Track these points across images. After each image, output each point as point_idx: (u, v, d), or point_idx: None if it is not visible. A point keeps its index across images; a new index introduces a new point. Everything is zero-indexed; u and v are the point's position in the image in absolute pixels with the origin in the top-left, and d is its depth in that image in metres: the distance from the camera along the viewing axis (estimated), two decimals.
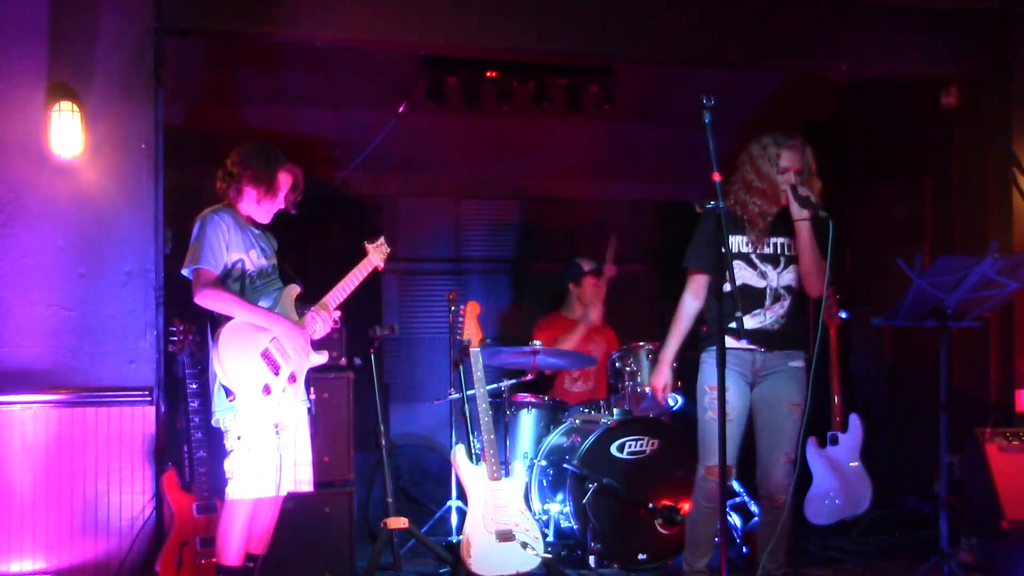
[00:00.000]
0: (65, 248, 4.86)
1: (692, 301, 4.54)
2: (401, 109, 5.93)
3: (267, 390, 4.14)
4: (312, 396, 4.41)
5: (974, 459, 5.44)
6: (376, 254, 4.56)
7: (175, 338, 4.87)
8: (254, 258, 4.30)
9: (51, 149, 4.79)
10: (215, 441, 4.56)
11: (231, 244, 4.22)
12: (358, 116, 6.55)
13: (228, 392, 4.10)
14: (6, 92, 4.81)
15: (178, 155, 5.30)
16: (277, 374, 4.19)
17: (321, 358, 4.39)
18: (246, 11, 5.18)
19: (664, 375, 4.67)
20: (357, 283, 4.44)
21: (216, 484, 4.79)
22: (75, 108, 4.79)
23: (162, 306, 4.98)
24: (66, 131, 4.78)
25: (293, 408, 4.29)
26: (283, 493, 4.27)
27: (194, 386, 4.82)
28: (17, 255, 4.81)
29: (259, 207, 4.35)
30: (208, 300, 4.16)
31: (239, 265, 4.23)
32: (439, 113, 6.25)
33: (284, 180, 4.35)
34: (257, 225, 4.40)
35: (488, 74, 6.12)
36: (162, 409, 4.94)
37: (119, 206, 4.92)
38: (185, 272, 4.22)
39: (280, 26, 5.25)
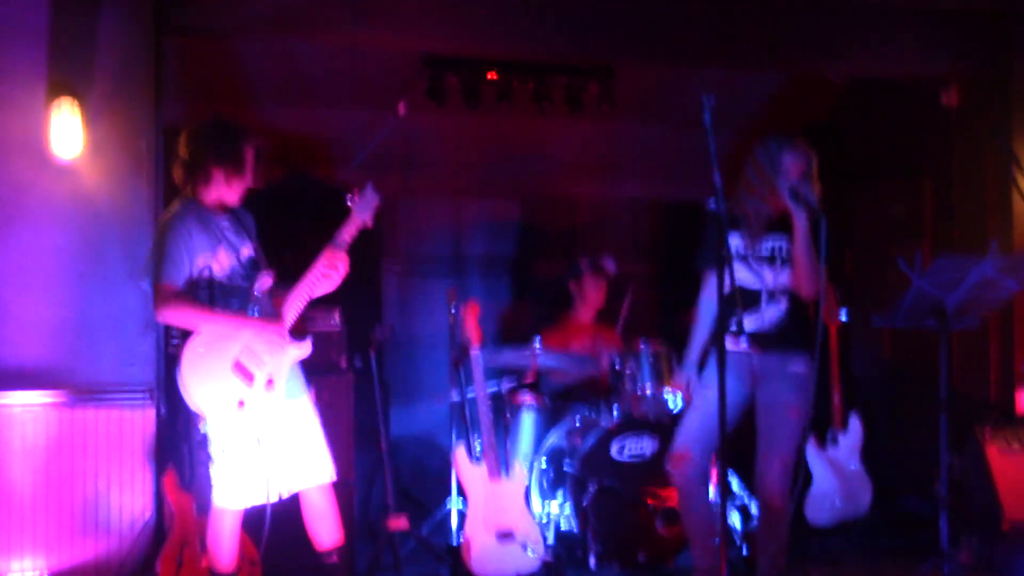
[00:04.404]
0: (65, 248, 4.87)
1: (710, 300, 4.54)
2: (401, 109, 5.93)
3: (241, 404, 3.93)
4: (313, 394, 4.27)
5: (974, 459, 5.44)
6: (361, 208, 4.13)
7: (175, 339, 4.87)
8: (222, 258, 4.03)
9: (51, 149, 4.80)
10: None
11: (195, 248, 3.95)
12: (358, 116, 6.55)
13: (198, 416, 3.95)
14: (6, 92, 4.81)
15: (178, 155, 5.29)
16: (252, 384, 3.96)
17: (303, 350, 4.12)
18: (246, 11, 5.18)
19: (687, 375, 4.66)
20: (342, 251, 4.08)
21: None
22: (75, 107, 4.79)
23: None
24: (66, 131, 4.78)
25: (279, 410, 4.07)
26: (284, 496, 4.09)
27: None
28: (17, 255, 4.82)
29: (229, 188, 4.04)
30: (171, 316, 3.97)
31: (206, 272, 3.97)
32: (439, 113, 6.25)
33: (249, 154, 4.05)
34: (226, 211, 4.10)
35: (488, 74, 6.12)
36: (162, 409, 4.94)
37: (119, 206, 4.93)
38: (145, 286, 4.07)
39: (280, 26, 5.26)
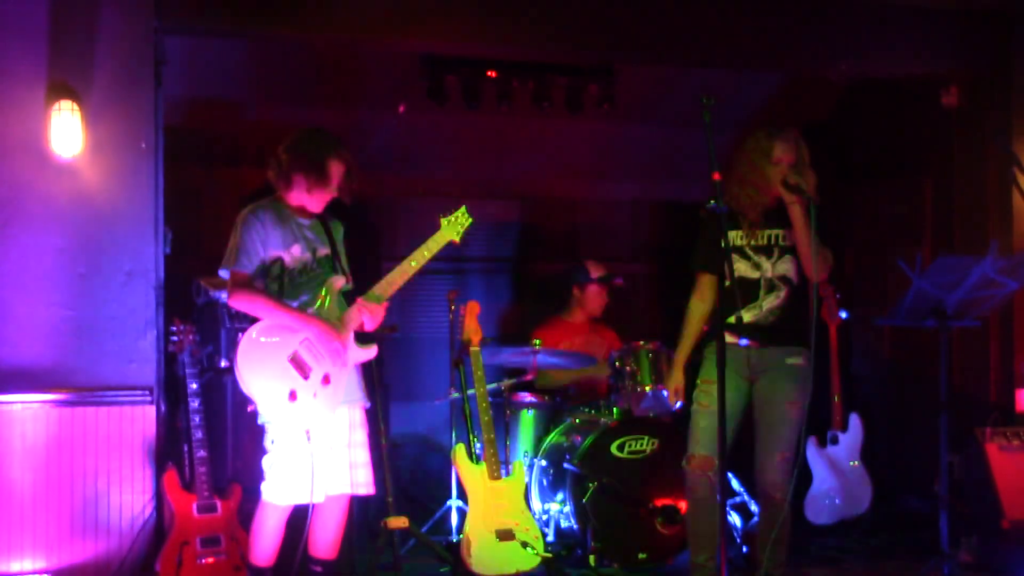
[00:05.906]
0: (65, 248, 4.86)
1: (699, 303, 4.56)
2: (401, 109, 5.94)
3: (293, 396, 3.96)
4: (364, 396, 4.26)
5: (974, 459, 5.44)
6: (451, 228, 4.30)
7: (175, 338, 4.87)
8: (296, 253, 4.14)
9: (51, 149, 4.79)
10: (216, 440, 4.54)
11: (268, 241, 4.09)
12: (358, 116, 6.55)
13: (250, 401, 4.00)
14: (6, 92, 4.81)
15: (178, 155, 5.30)
16: (307, 378, 3.99)
17: (368, 353, 4.20)
18: (246, 11, 5.18)
19: (676, 379, 4.68)
20: (423, 261, 4.24)
21: (218, 483, 4.80)
22: (75, 107, 4.79)
23: (162, 306, 4.98)
24: (66, 131, 4.77)
25: (332, 410, 4.09)
26: (321, 500, 4.07)
27: (194, 386, 4.83)
28: (17, 255, 4.81)
29: (310, 196, 4.16)
30: (240, 302, 4.10)
31: (277, 263, 4.11)
32: (439, 113, 6.25)
33: (335, 168, 4.15)
34: (309, 215, 4.23)
35: (488, 74, 6.12)
36: (162, 409, 4.94)
37: (119, 206, 4.92)
38: (222, 273, 4.15)
39: (280, 26, 5.25)
